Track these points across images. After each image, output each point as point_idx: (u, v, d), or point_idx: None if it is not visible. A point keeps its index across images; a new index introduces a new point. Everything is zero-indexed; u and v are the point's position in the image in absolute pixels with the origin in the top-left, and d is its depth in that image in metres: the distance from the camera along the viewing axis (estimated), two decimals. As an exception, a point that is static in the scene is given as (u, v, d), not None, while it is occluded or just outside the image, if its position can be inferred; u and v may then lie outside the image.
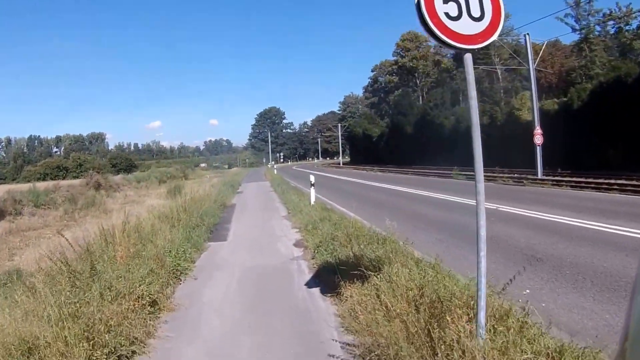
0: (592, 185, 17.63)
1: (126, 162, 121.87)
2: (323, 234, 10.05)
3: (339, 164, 79.44)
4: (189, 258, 9.45)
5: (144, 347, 4.83)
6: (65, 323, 4.25)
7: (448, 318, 3.79)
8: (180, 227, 11.65)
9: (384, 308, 4.59)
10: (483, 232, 3.55)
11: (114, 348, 4.31)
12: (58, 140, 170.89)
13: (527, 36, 26.51)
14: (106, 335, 4.32)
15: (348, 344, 4.60)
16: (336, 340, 4.80)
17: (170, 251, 8.99)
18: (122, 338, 4.54)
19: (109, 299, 5.28)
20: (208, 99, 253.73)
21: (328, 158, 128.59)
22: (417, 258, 6.78)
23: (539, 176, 23.12)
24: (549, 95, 41.09)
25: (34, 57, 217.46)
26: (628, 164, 21.94)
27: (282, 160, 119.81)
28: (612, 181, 17.41)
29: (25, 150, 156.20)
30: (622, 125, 23.28)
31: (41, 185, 46.24)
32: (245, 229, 13.49)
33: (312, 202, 16.05)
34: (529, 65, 25.79)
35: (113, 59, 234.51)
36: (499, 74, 64.09)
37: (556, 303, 5.70)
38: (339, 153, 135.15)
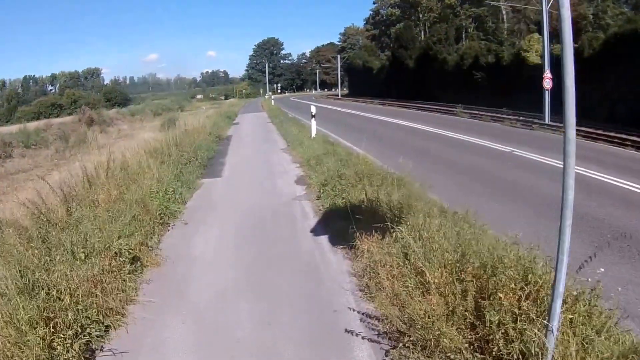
0: (603, 138, 16.70)
1: (121, 95, 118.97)
2: (328, 170, 9.08)
3: (338, 95, 77.24)
4: (179, 199, 8.53)
5: (121, 318, 3.94)
6: (19, 300, 3.31)
7: (501, 295, 2.87)
8: (171, 162, 10.66)
9: (414, 275, 3.66)
10: (571, 195, 2.49)
11: (80, 328, 3.40)
12: (53, 78, 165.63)
13: (542, -27, 24.25)
14: (70, 314, 3.39)
15: (369, 316, 3.70)
16: (353, 310, 3.91)
17: (157, 192, 8.04)
18: (93, 311, 3.64)
19: (82, 258, 4.38)
20: (205, 30, 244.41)
21: (326, 90, 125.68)
22: (442, 206, 5.82)
23: (547, 121, 21.88)
24: (557, 41, 38.91)
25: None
26: (636, 120, 20.77)
27: (279, 91, 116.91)
28: (624, 136, 16.30)
29: (19, 91, 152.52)
30: (634, 80, 21.90)
31: (32, 125, 44.82)
32: (242, 164, 12.54)
33: (313, 135, 14.97)
34: (541, 6, 23.80)
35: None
36: (504, 14, 61.22)
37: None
38: (337, 85, 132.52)
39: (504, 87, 32.16)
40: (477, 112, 26.82)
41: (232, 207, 8.15)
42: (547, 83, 22.26)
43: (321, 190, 8.08)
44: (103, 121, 48.57)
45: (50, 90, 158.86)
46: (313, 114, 15.27)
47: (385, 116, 26.76)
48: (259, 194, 8.96)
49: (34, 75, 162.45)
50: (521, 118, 22.75)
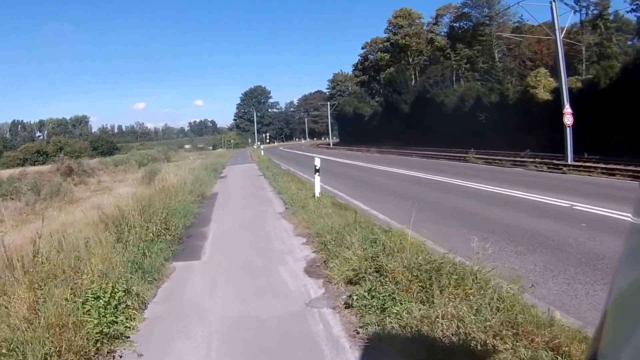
0: (630, 173, 14.97)
1: (108, 144, 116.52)
2: (354, 256, 6.07)
3: (329, 144, 75.10)
4: (132, 304, 5.47)
5: None
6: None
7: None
8: (132, 238, 7.65)
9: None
10: None
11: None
12: (41, 124, 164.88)
13: (553, 3, 22.25)
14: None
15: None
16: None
17: (98, 298, 5.01)
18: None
19: None
20: (192, 80, 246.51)
21: (315, 138, 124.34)
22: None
23: (569, 161, 19.42)
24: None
25: (15, 41, 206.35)
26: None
27: (267, 140, 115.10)
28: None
29: (7, 136, 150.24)
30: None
31: (7, 172, 41.66)
32: (229, 236, 9.46)
33: (317, 194, 12.05)
34: (555, 36, 21.67)
35: (96, 41, 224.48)
36: (496, 53, 60.43)
37: None
38: (326, 133, 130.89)
39: (512, 127, 30.34)
40: (491, 156, 24.51)
41: (214, 320, 5.07)
42: (568, 119, 20.02)
43: (352, 295, 5.06)
44: (83, 171, 45.41)
45: (39, 136, 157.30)
46: (317, 167, 12.33)
47: (390, 166, 24.01)
48: (255, 293, 5.82)
49: (22, 120, 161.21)
50: (545, 160, 20.26)
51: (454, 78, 47.04)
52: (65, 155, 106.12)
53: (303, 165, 28.70)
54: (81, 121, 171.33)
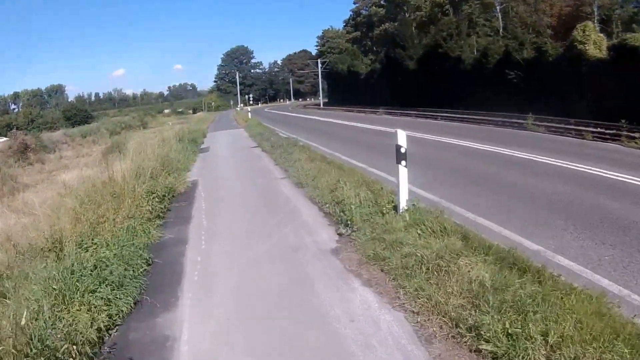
0: None
1: (82, 113, 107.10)
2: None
3: (318, 105, 68.02)
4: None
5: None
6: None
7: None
8: None
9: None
10: None
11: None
12: (16, 96, 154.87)
13: None
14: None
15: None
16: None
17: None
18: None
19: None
20: (172, 42, 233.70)
21: (300, 99, 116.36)
22: None
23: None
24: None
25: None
26: None
27: (251, 102, 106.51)
28: None
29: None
30: None
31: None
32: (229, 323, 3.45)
33: (403, 204, 5.71)
34: None
35: (71, 7, 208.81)
36: (498, 11, 53.76)
37: None
38: (312, 94, 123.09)
39: (553, 90, 24.21)
40: (553, 124, 18.47)
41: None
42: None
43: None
44: (43, 147, 38.28)
45: (14, 109, 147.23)
46: (402, 149, 5.86)
47: (429, 133, 17.39)
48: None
49: None
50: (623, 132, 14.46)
51: (476, 29, 39.87)
52: (38, 127, 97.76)
53: (304, 130, 22.20)
54: (57, 90, 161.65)
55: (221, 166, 12.79)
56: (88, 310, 3.71)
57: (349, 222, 5.82)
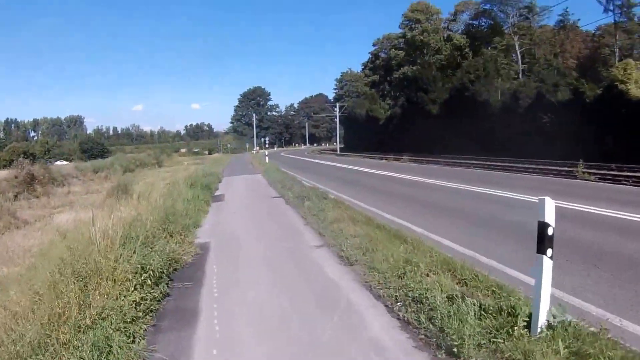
0: None
1: (99, 147, 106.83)
2: None
3: (335, 150, 66.23)
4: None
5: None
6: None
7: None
8: None
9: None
10: None
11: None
12: (35, 123, 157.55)
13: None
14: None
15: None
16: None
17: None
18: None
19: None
20: (190, 81, 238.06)
21: (315, 144, 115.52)
22: None
23: None
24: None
25: (11, 36, 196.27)
26: None
27: (267, 145, 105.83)
28: None
29: (1, 136, 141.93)
30: None
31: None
32: None
33: (542, 320, 3.48)
34: None
35: (94, 40, 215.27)
36: (519, 53, 52.77)
37: None
38: (326, 139, 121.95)
39: (590, 131, 23.27)
40: (604, 170, 16.78)
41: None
42: None
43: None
44: (52, 179, 36.44)
45: (33, 136, 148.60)
46: (549, 230, 3.39)
47: (470, 184, 15.05)
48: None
49: (16, 119, 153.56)
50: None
51: (499, 72, 38.28)
52: (53, 157, 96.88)
53: (336, 181, 19.87)
54: (76, 121, 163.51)
55: (238, 222, 10.51)
56: None
57: (453, 347, 3.45)
